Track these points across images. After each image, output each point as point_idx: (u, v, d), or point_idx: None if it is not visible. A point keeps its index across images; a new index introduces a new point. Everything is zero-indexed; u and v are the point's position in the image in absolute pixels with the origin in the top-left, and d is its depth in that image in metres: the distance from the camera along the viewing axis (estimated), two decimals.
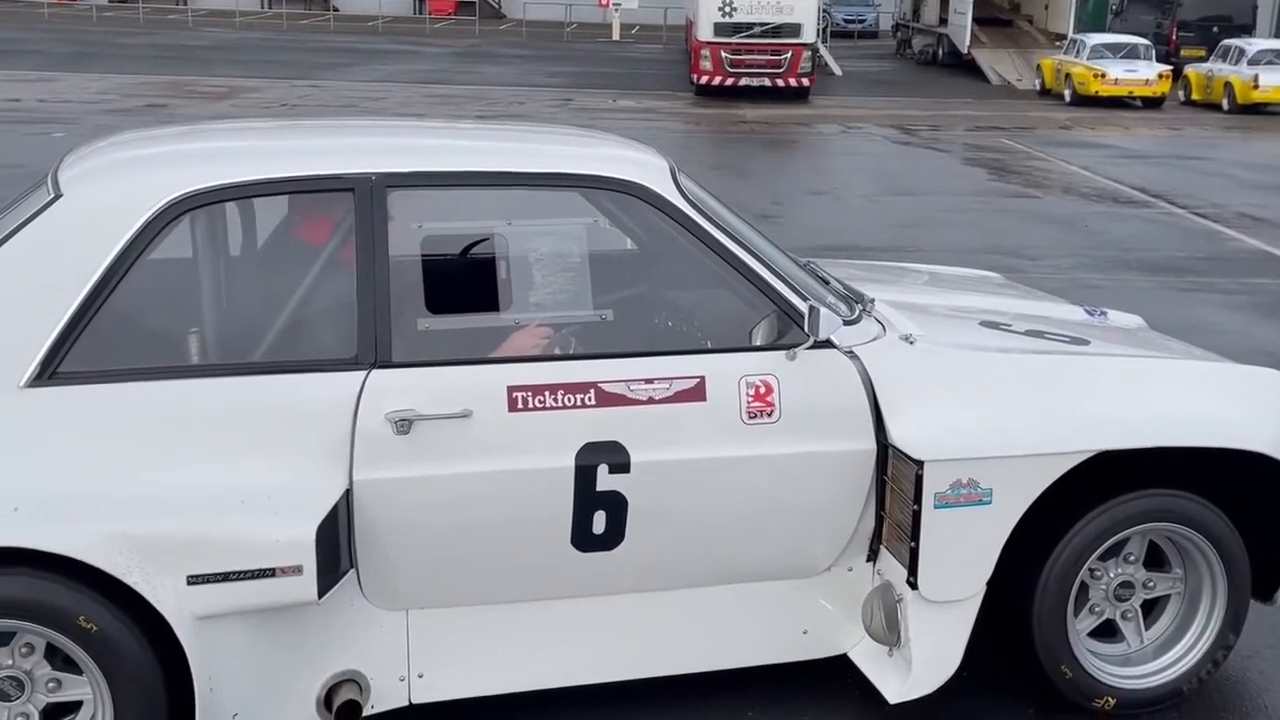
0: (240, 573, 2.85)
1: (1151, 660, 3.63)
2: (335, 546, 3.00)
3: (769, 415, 3.29)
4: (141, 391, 2.96)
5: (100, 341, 2.95)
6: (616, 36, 40.94)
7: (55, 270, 2.97)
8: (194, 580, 2.82)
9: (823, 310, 3.23)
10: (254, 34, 37.48)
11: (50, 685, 2.89)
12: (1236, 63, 25.00)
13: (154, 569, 2.79)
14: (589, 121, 17.14)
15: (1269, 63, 24.39)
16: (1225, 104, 24.76)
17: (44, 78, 22.77)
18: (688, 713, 3.52)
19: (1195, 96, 26.04)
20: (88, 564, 2.74)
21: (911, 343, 3.50)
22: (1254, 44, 25.71)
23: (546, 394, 3.17)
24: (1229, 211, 12.67)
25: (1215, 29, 32.03)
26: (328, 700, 3.15)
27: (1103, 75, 24.84)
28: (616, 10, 42.01)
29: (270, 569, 2.86)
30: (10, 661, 2.85)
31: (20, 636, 2.82)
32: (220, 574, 2.83)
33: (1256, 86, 24.05)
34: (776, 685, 3.59)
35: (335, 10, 48.89)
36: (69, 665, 2.87)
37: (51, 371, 2.90)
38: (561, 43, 38.74)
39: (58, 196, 3.10)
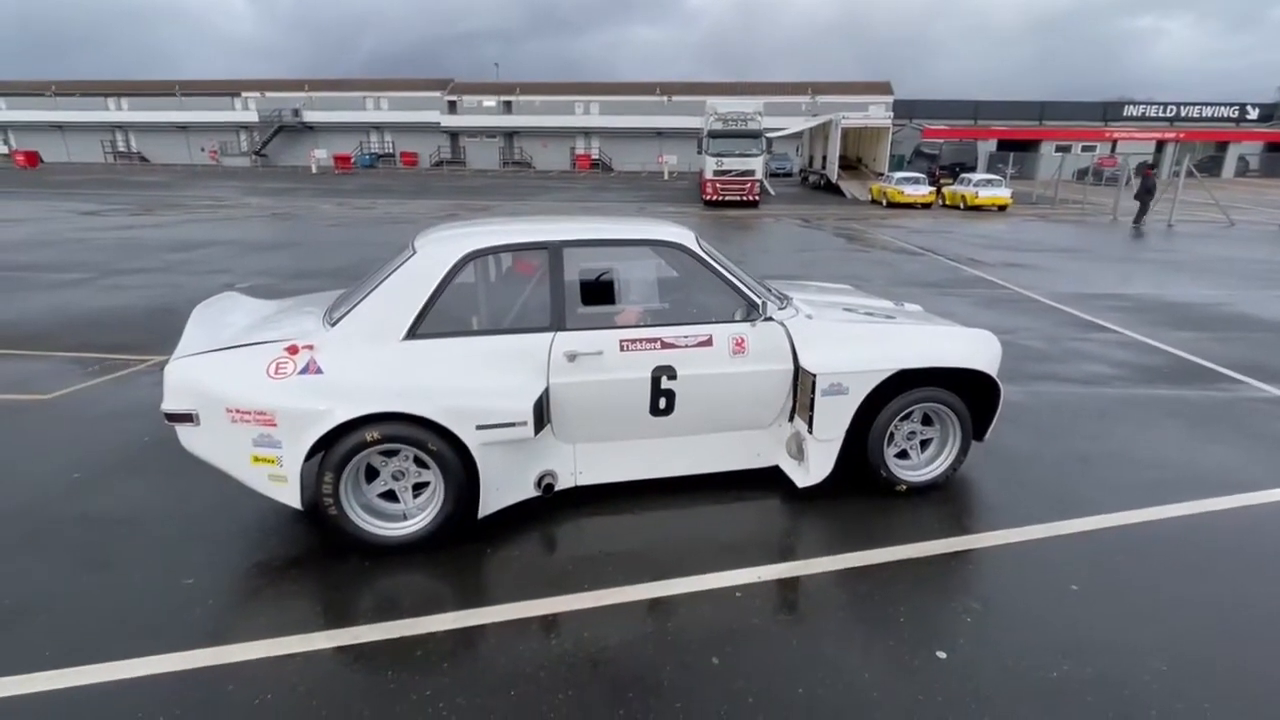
0: (500, 424, 2.90)
1: (925, 468, 3.56)
2: (541, 412, 3.03)
3: (744, 352, 3.26)
4: (453, 342, 2.99)
5: (434, 319, 2.98)
6: (666, 177, 40.30)
7: (414, 288, 3.01)
8: (480, 427, 2.87)
9: (768, 302, 3.22)
10: (497, 180, 37.28)
11: (416, 474, 2.97)
12: (967, 185, 24.01)
13: (462, 422, 2.85)
14: (654, 215, 16.89)
15: (980, 185, 23.53)
16: (962, 206, 23.69)
17: (401, 202, 22.88)
18: (701, 498, 3.47)
19: (947, 202, 24.85)
20: (432, 420, 2.81)
21: (810, 318, 3.43)
22: (974, 176, 24.65)
23: (638, 343, 3.16)
24: (963, 257, 12.20)
25: (957, 168, 31.03)
26: (538, 482, 3.21)
27: (901, 191, 23.97)
28: (666, 165, 42.12)
29: (512, 422, 2.91)
30: (400, 464, 2.93)
31: (403, 451, 2.90)
32: (491, 424, 2.88)
33: (977, 196, 23.16)
34: (741, 484, 3.55)
35: (534, 168, 49.45)
36: (423, 466, 2.94)
37: (414, 333, 2.95)
38: (639, 182, 38.00)
39: (414, 253, 3.13)
